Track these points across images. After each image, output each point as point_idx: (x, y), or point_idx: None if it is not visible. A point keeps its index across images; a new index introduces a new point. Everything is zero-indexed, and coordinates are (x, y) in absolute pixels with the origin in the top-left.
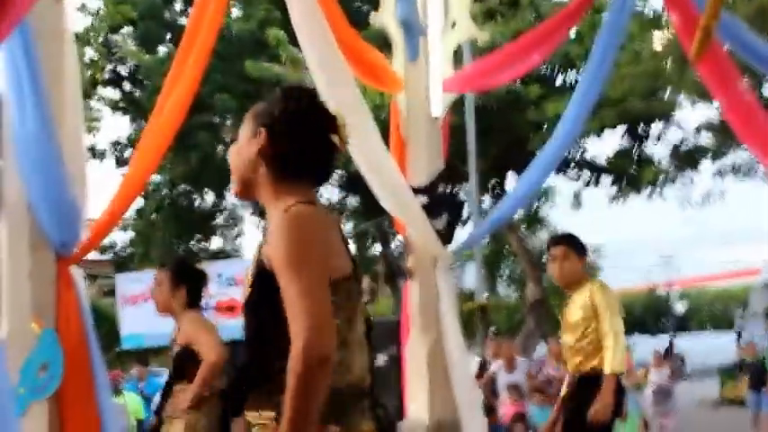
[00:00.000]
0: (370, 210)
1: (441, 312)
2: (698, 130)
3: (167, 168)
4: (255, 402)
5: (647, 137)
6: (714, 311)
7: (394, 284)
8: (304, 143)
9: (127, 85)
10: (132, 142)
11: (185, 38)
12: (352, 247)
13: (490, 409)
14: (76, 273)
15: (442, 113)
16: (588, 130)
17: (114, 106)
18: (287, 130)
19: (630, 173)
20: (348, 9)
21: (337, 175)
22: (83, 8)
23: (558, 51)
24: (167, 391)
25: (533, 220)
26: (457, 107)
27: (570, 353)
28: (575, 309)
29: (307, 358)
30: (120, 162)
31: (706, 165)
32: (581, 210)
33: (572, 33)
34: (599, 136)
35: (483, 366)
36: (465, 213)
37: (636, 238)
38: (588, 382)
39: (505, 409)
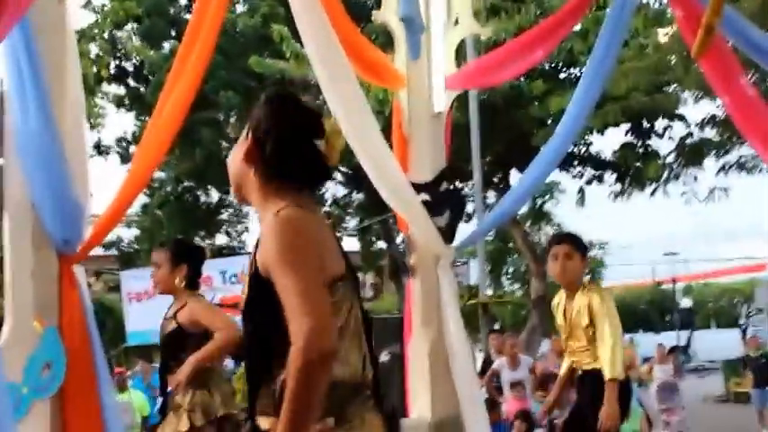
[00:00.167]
0: (375, 206)
1: (442, 309)
2: (701, 126)
3: (172, 165)
4: (266, 408)
5: (651, 133)
6: (719, 307)
7: (399, 281)
8: (287, 148)
9: (131, 82)
10: (137, 139)
11: (188, 34)
12: (357, 243)
13: (494, 405)
14: (79, 271)
15: (444, 110)
16: (591, 127)
17: (119, 102)
18: (270, 135)
19: (635, 169)
20: (349, 5)
21: (342, 171)
22: (87, 4)
23: (561, 47)
24: (164, 385)
25: (538, 216)
26: (460, 104)
27: (578, 351)
28: (581, 311)
29: (307, 355)
30: (125, 158)
31: (710, 161)
32: (586, 206)
33: (576, 29)
34: (602, 134)
35: (487, 362)
36: (469, 209)
37: (641, 235)
38: (592, 381)
39: (509, 405)
